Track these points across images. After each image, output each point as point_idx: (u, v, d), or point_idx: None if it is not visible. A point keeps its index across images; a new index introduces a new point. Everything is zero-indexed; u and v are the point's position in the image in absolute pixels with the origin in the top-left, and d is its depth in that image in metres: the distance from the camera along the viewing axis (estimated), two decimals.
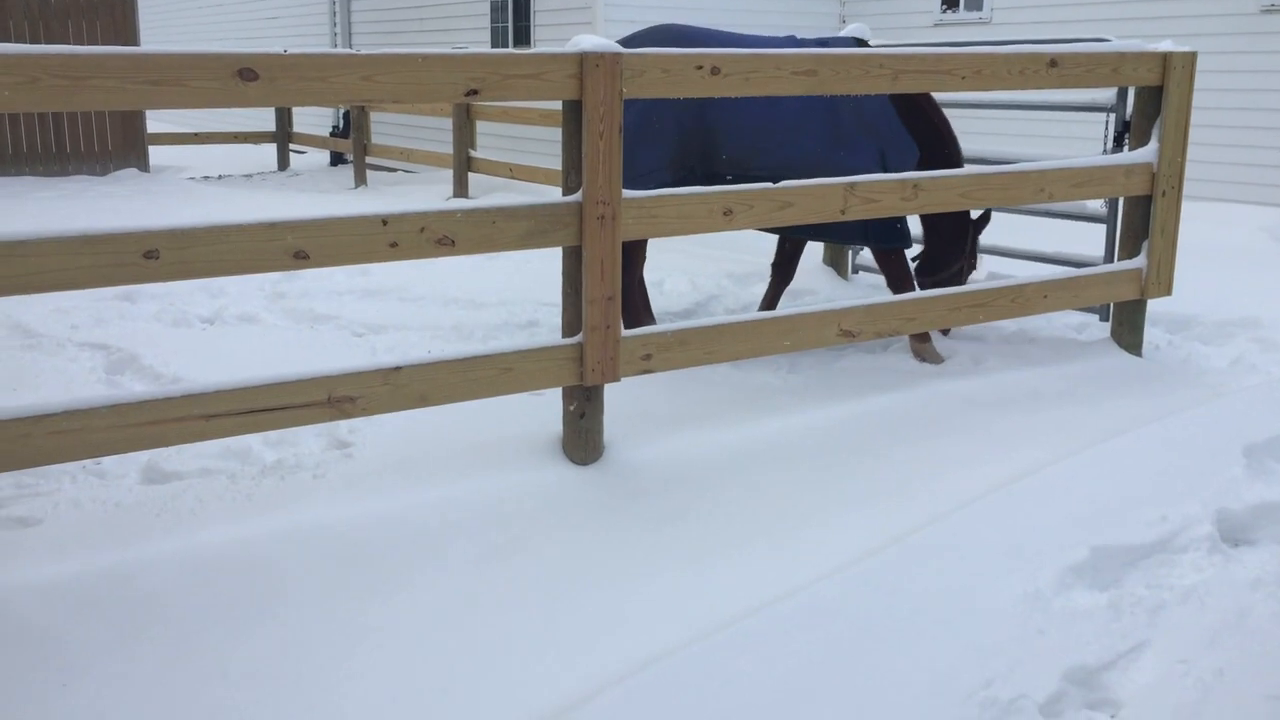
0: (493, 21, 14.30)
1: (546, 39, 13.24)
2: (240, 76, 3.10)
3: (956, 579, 3.18)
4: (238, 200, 10.77)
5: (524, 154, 12.69)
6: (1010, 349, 5.39)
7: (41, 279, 2.97)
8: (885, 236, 5.33)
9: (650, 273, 6.83)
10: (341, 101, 3.34)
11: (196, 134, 14.80)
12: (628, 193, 3.80)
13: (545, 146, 12.42)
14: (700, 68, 3.86)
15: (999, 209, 5.54)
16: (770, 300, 5.91)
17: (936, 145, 5.36)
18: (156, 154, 14.00)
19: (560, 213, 3.70)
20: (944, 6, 12.78)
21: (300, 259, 3.31)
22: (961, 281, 5.65)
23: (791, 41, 5.17)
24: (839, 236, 5.61)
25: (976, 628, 2.96)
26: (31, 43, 12.98)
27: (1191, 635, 3.01)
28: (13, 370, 5.01)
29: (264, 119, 15.53)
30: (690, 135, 4.93)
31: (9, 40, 12.50)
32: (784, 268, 5.91)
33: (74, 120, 12.95)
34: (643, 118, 4.83)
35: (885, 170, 5.10)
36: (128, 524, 3.37)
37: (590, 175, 3.68)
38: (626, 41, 4.96)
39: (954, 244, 5.59)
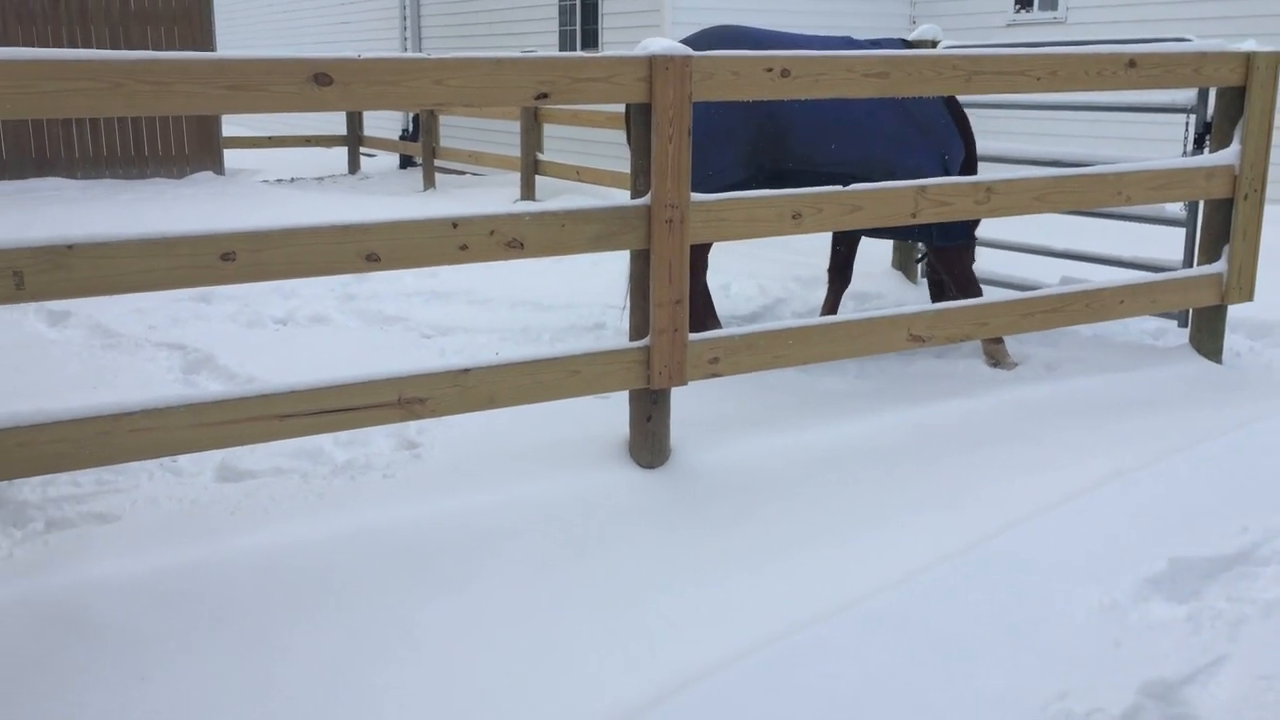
0: (561, 24, 14.37)
1: (614, 42, 13.28)
2: (316, 81, 3.14)
3: (1029, 588, 3.13)
4: (309, 202, 10.94)
5: (591, 156, 12.74)
6: (1085, 355, 5.29)
7: (124, 280, 3.04)
8: (946, 232, 5.28)
9: (716, 276, 6.81)
10: (414, 105, 3.37)
11: (270, 138, 15.06)
12: (696, 196, 3.79)
13: (612, 149, 12.45)
14: (770, 70, 3.84)
15: (1075, 212, 5.44)
16: (831, 305, 5.87)
17: (968, 146, 5.41)
18: (231, 157, 14.27)
19: (628, 216, 3.70)
20: (1017, 6, 12.60)
21: (372, 261, 3.34)
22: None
23: (848, 43, 5.16)
24: (898, 232, 5.58)
25: (1050, 639, 2.91)
26: (111, 47, 13.28)
27: (1274, 651, 2.92)
28: (93, 369, 5.13)
29: (335, 123, 15.76)
30: (762, 133, 4.92)
31: (90, 45, 12.82)
32: (841, 271, 5.87)
33: (152, 124, 13.24)
34: (716, 116, 4.83)
35: (945, 170, 5.12)
36: (203, 521, 3.44)
37: (659, 179, 3.67)
38: (684, 43, 4.97)
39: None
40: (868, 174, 4.70)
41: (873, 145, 5.03)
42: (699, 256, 5.35)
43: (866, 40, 5.30)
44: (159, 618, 2.97)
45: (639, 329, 3.87)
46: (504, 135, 14.59)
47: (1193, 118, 5.62)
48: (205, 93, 3.01)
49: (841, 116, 4.98)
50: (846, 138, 4.99)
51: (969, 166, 5.40)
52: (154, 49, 12.85)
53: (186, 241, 3.08)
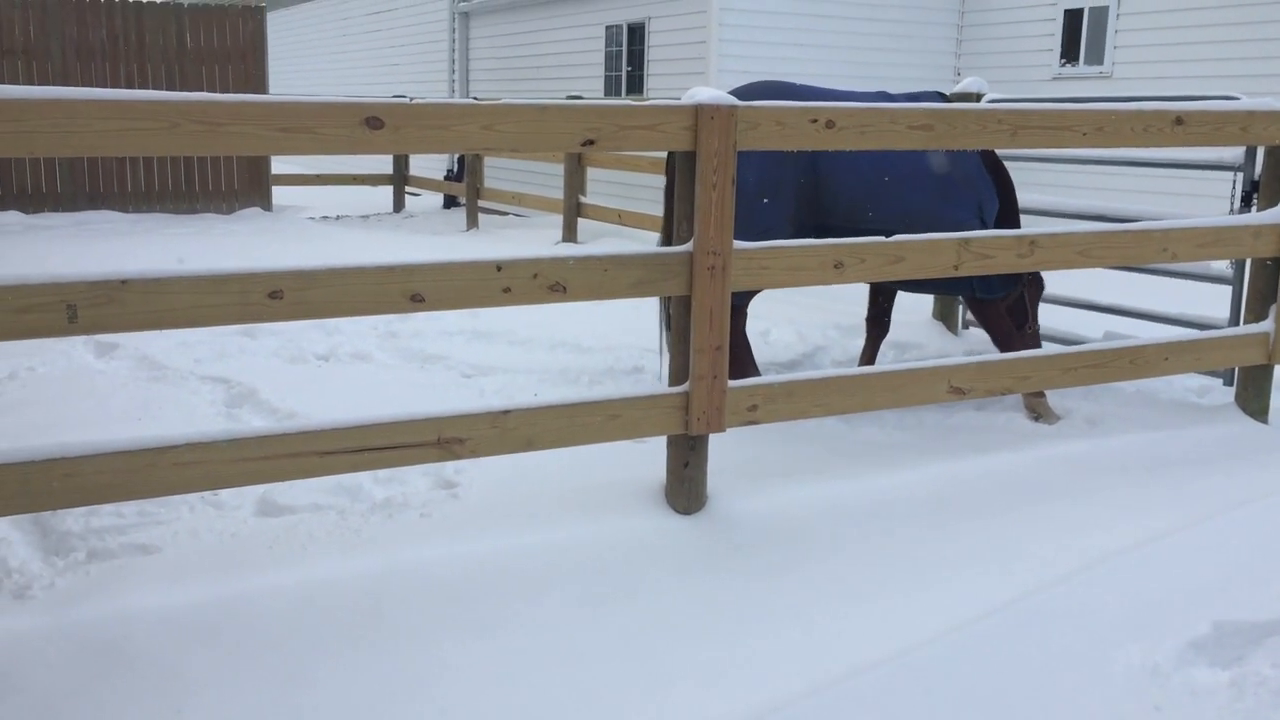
0: (606, 70, 14.54)
1: (659, 88, 13.40)
2: (367, 125, 3.20)
3: (1070, 648, 3.08)
4: (354, 240, 11.08)
5: (633, 200, 12.83)
6: (1128, 411, 5.24)
7: (175, 316, 3.09)
8: (986, 285, 5.29)
9: (756, 322, 6.82)
10: (462, 149, 3.42)
11: (318, 175, 15.31)
12: (738, 244, 3.81)
13: (654, 193, 12.52)
14: (815, 121, 3.87)
15: (1120, 268, 5.42)
16: (869, 355, 5.86)
17: (1006, 198, 5.42)
18: (279, 194, 14.51)
19: (671, 262, 3.72)
20: (1063, 60, 12.60)
21: (416, 302, 3.38)
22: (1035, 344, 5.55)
23: (883, 97, 5.20)
24: (937, 286, 5.57)
25: (1090, 701, 2.86)
26: (167, 86, 13.58)
27: None
28: (139, 401, 5.20)
29: (382, 162, 16.00)
30: (805, 191, 4.97)
31: (147, 83, 13.11)
32: (878, 321, 5.88)
33: (204, 160, 13.50)
34: (761, 174, 4.88)
35: (982, 223, 5.14)
36: (242, 555, 3.47)
37: (702, 226, 3.69)
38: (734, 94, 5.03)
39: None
40: (908, 229, 4.70)
41: (914, 200, 5.06)
42: (740, 304, 5.38)
43: (903, 95, 5.34)
44: (195, 650, 2.99)
45: (678, 374, 3.88)
46: (547, 177, 14.74)
47: (1240, 175, 5.59)
48: (258, 134, 3.07)
49: (884, 171, 5.02)
50: (889, 193, 5.02)
51: (1008, 219, 5.39)
52: (208, 88, 13.13)
53: (236, 279, 3.13)
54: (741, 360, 5.27)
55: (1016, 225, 5.38)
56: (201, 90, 12.82)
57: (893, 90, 5.63)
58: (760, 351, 6.42)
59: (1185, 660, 3.06)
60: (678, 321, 3.85)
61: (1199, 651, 3.11)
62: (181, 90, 12.13)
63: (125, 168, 13.15)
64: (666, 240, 5.22)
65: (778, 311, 7.21)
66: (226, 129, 3.05)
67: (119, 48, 13.07)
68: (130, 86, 12.83)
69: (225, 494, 3.97)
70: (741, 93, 5.07)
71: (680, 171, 3.75)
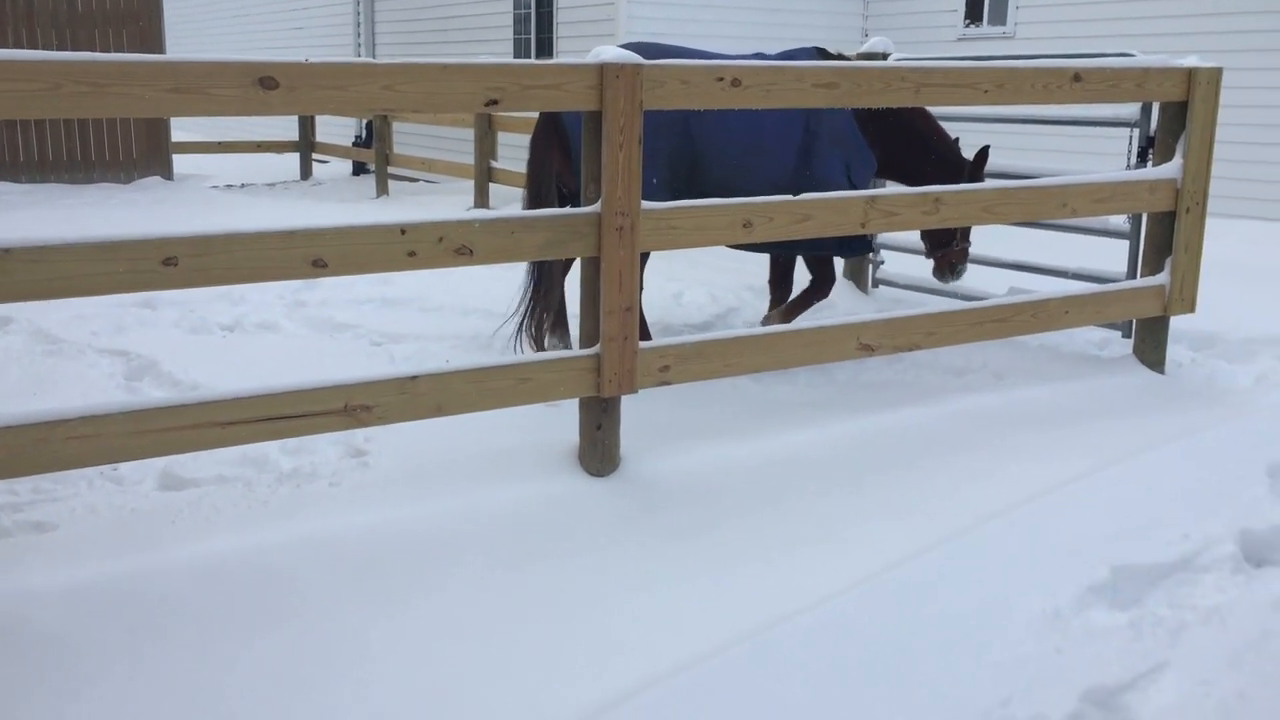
0: (515, 33, 14.35)
1: (568, 50, 13.28)
2: (261, 85, 3.11)
3: (974, 596, 3.15)
4: (260, 209, 10.83)
5: None
6: (1032, 365, 5.35)
7: (63, 285, 2.98)
8: (845, 245, 5.39)
9: (669, 284, 6.83)
10: (362, 111, 3.34)
11: (220, 143, 14.89)
12: (646, 204, 3.79)
13: None
14: (721, 79, 3.85)
15: (1021, 224, 5.50)
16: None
17: (918, 145, 5.42)
18: (180, 162, 14.08)
19: (578, 224, 3.69)
20: (968, 20, 12.75)
21: (318, 267, 3.31)
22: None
23: (760, 58, 5.10)
24: (795, 246, 5.44)
25: (994, 646, 2.93)
26: (59, 50, 13.07)
27: (1213, 656, 2.96)
28: (33, 376, 5.03)
29: (287, 128, 15.62)
30: (679, 158, 4.93)
31: (35, 47, 12.61)
32: (781, 282, 5.94)
33: (99, 128, 13.04)
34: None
35: (850, 183, 5.11)
36: (143, 530, 3.38)
37: (609, 186, 3.67)
38: None
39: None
40: (781, 191, 4.67)
41: (785, 162, 5.03)
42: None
43: (778, 54, 5.30)
44: (97, 629, 2.91)
45: (589, 336, 3.86)
46: (458, 143, 14.54)
47: (1136, 132, 5.71)
48: (146, 95, 2.97)
49: (756, 135, 4.97)
50: (760, 157, 4.99)
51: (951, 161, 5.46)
52: (101, 51, 12.65)
53: (127, 246, 3.03)
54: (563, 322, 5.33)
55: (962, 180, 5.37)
56: None
57: (770, 51, 5.59)
58: (673, 313, 6.43)
59: (1085, 604, 3.15)
60: (587, 283, 3.83)
61: (1098, 595, 3.20)
62: None
63: (16, 136, 12.66)
64: (533, 202, 5.18)
65: (691, 274, 7.22)
66: (112, 90, 2.93)
67: (5, 11, 12.53)
68: None
69: (125, 469, 3.86)
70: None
71: (586, 132, 3.72)
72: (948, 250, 5.68)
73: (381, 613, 3.10)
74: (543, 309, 5.24)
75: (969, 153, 5.53)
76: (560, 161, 5.09)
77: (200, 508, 3.54)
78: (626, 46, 5.10)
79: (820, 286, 5.77)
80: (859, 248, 5.51)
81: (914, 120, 5.43)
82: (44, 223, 9.39)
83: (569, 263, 5.31)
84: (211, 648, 2.90)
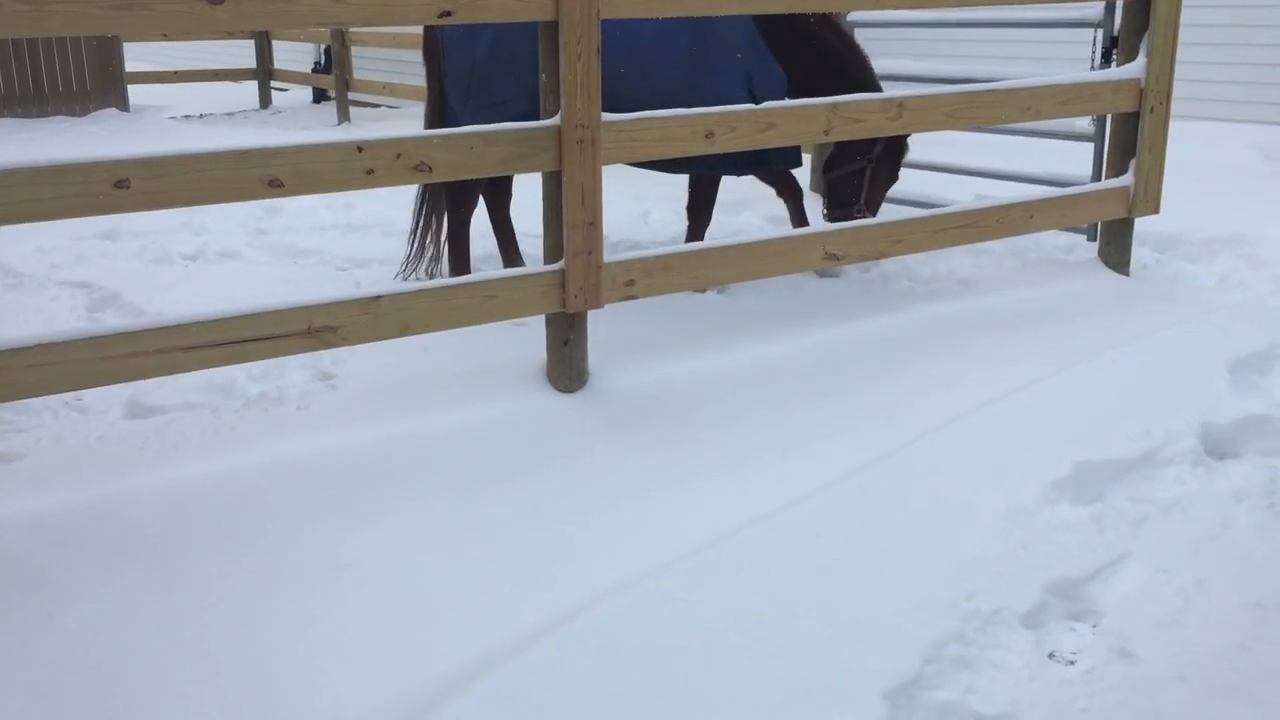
0: None
1: None
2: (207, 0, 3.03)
3: (940, 496, 3.19)
4: (218, 138, 10.64)
5: None
6: (998, 271, 5.37)
7: (13, 210, 2.92)
8: (755, 163, 5.06)
9: (635, 202, 6.79)
10: (311, 23, 3.27)
11: (176, 72, 14.57)
12: (607, 116, 3.74)
13: None
14: None
15: (986, 129, 5.48)
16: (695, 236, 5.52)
17: (832, 66, 5.03)
18: (136, 93, 13.81)
19: (539, 137, 3.65)
20: None
21: (275, 187, 3.26)
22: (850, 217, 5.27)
23: None
24: (688, 165, 4.91)
25: (959, 543, 2.98)
26: None
27: (1173, 546, 3.03)
28: None
29: (245, 56, 15.29)
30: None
31: None
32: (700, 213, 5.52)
33: (51, 61, 12.74)
34: (498, 45, 4.64)
35: (754, 97, 4.67)
36: (110, 458, 3.36)
37: (568, 99, 3.62)
38: None
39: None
40: (667, 104, 4.16)
41: (670, 73, 4.71)
42: (502, 190, 5.34)
43: None
44: (66, 555, 2.91)
45: (553, 251, 3.84)
46: (418, 65, 14.27)
47: (1100, 32, 5.67)
48: (87, 13, 2.88)
49: (633, 44, 4.62)
50: (640, 67, 4.66)
51: (850, 88, 4.96)
52: None
53: (78, 169, 2.97)
54: (460, 258, 5.16)
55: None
56: None
57: None
58: (640, 231, 6.41)
59: (1048, 500, 3.20)
60: (550, 197, 3.79)
61: (1061, 491, 3.25)
62: None
63: None
64: (435, 114, 5.03)
65: (656, 190, 7.16)
66: (53, 7, 2.85)
67: None
68: None
69: (91, 398, 3.84)
70: None
71: (543, 42, 3.65)
72: (845, 214, 5.28)
73: (350, 530, 3.11)
74: (433, 246, 5.16)
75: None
76: (435, 74, 4.99)
77: (167, 434, 3.52)
78: None
79: (700, 212, 5.39)
80: (743, 165, 5.06)
81: (825, 35, 5.04)
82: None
83: (470, 194, 5.12)
84: (180, 570, 2.91)
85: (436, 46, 4.88)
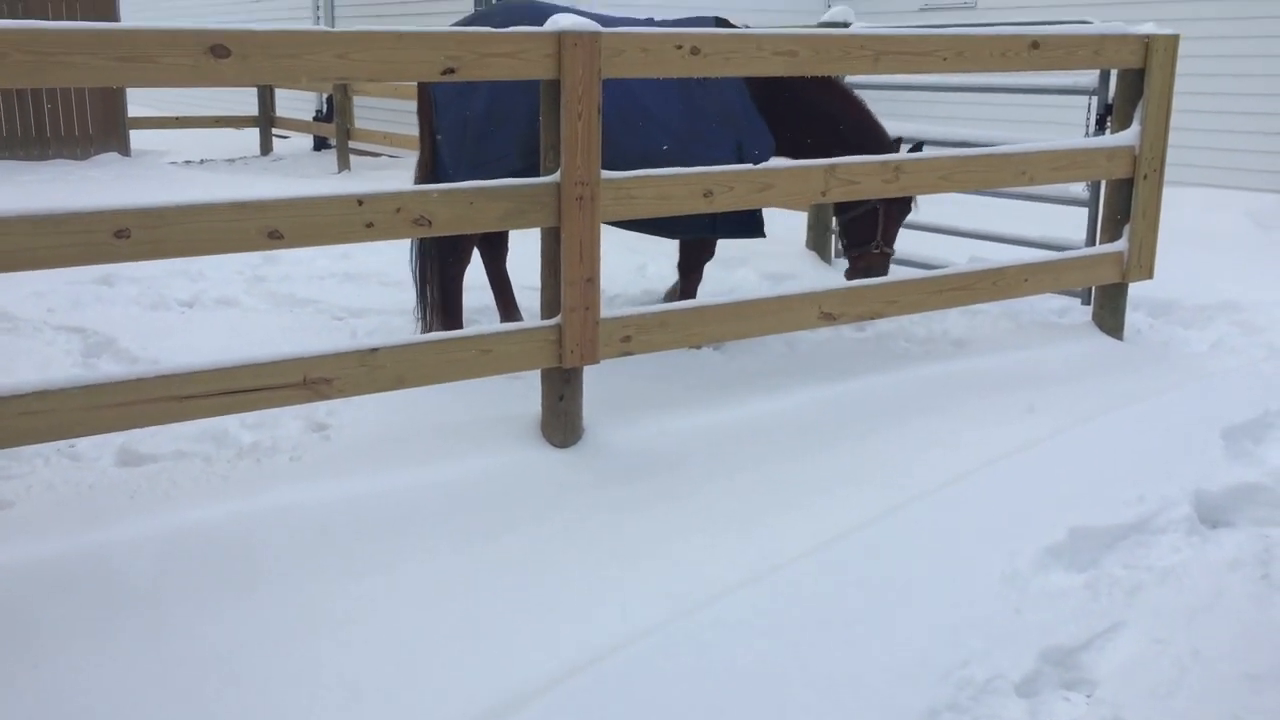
0: (476, 4, 14.22)
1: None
2: (213, 54, 3.06)
3: (934, 560, 3.18)
4: (218, 184, 10.70)
5: None
6: (993, 332, 5.39)
7: (13, 258, 2.93)
8: (737, 229, 5.05)
9: (632, 256, 6.82)
10: (316, 80, 3.30)
11: (178, 117, 14.68)
12: (606, 174, 3.77)
13: None
14: (680, 47, 3.83)
15: (980, 192, 5.52)
16: (685, 293, 5.54)
17: (829, 127, 5.07)
18: (138, 138, 13.89)
19: (538, 193, 3.67)
20: None
21: (274, 239, 3.27)
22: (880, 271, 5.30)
23: (651, 23, 4.80)
24: (682, 227, 4.92)
25: (954, 609, 2.96)
26: (10, 17, 12.76)
27: (1168, 615, 3.01)
28: None
29: (247, 103, 15.41)
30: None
31: None
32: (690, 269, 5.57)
33: (54, 104, 12.83)
34: (493, 103, 4.63)
35: (742, 161, 4.73)
36: (102, 506, 3.34)
37: (569, 156, 3.65)
38: (479, 19, 4.68)
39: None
40: (657, 166, 4.12)
41: (660, 138, 4.72)
42: (499, 243, 5.32)
43: (675, 19, 4.98)
44: (55, 604, 2.89)
45: (550, 307, 3.85)
46: None
47: (1094, 99, 5.74)
48: (94, 65, 2.91)
49: (626, 107, 4.63)
50: (633, 130, 4.66)
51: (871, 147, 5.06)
52: (54, 19, 12.43)
53: (78, 218, 2.99)
54: (452, 310, 5.11)
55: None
56: None
57: (668, 15, 5.20)
58: (637, 284, 6.43)
59: (1043, 565, 3.19)
60: (548, 253, 3.81)
61: (1056, 557, 3.24)
62: None
63: None
64: (427, 170, 4.98)
65: (654, 245, 7.18)
66: (59, 59, 2.88)
67: None
68: None
69: (83, 445, 3.82)
70: (493, 12, 4.81)
71: (545, 100, 3.69)
72: (865, 251, 5.28)
73: (339, 584, 3.09)
74: (429, 307, 5.11)
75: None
76: (427, 129, 4.97)
77: (159, 482, 3.51)
78: (499, 5, 4.95)
79: (690, 270, 5.41)
80: (735, 230, 5.04)
81: (821, 96, 5.05)
82: (1, 198, 9.25)
83: (463, 249, 5.08)
84: (171, 621, 2.89)
85: (429, 102, 4.89)
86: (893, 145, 5.19)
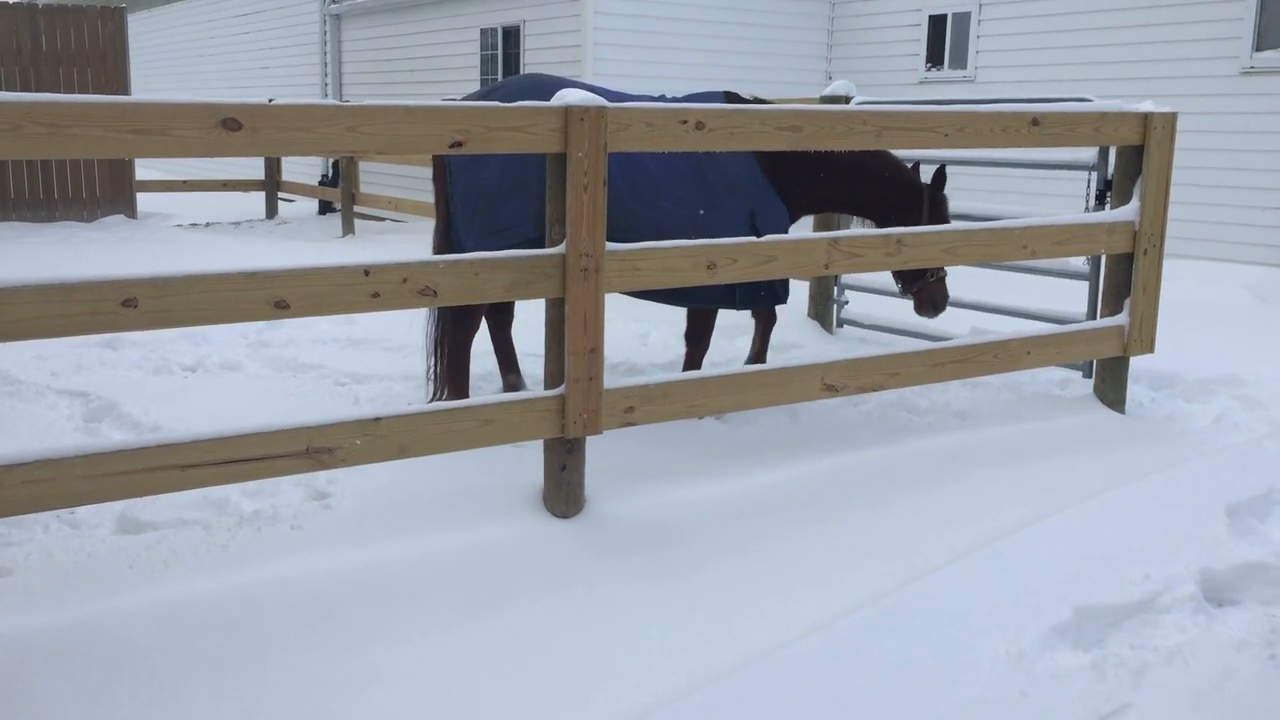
0: (482, 74, 14.42)
1: None
2: (224, 126, 3.10)
3: (938, 638, 3.15)
4: (224, 248, 10.77)
5: None
6: (995, 405, 5.39)
7: (20, 327, 2.95)
8: (752, 299, 5.12)
9: (634, 324, 6.85)
10: (326, 152, 3.34)
11: (185, 181, 14.84)
12: (611, 245, 3.80)
13: None
14: (685, 122, 3.88)
15: (982, 265, 5.56)
16: (691, 363, 5.56)
17: (871, 186, 5.22)
18: (144, 201, 14.02)
19: (544, 264, 3.70)
20: (929, 64, 12.95)
21: (281, 309, 3.29)
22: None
23: (662, 99, 4.87)
24: (698, 296, 4.99)
25: (958, 689, 2.93)
26: (22, 89, 12.98)
27: (1175, 697, 2.98)
28: None
29: (253, 167, 15.58)
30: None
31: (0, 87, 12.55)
32: (698, 338, 5.58)
33: (62, 166, 12.97)
34: (507, 173, 4.69)
35: (754, 231, 4.81)
36: (100, 575, 3.32)
37: (574, 228, 3.68)
38: (487, 94, 4.85)
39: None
40: (669, 237, 4.33)
41: (671, 210, 4.79)
42: (504, 311, 5.41)
43: (687, 95, 5.11)
44: (50, 675, 2.85)
45: (554, 377, 3.86)
46: (425, 182, 14.54)
47: (1094, 175, 5.80)
48: (107, 136, 2.95)
49: (637, 179, 4.73)
50: (644, 201, 4.74)
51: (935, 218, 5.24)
52: (66, 91, 12.62)
53: (86, 287, 3.00)
54: (458, 379, 5.14)
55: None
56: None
57: (679, 91, 5.39)
58: (639, 353, 6.45)
59: (1048, 645, 3.16)
60: (553, 324, 3.83)
61: (1061, 636, 3.21)
62: None
63: None
64: (443, 236, 5.03)
65: (656, 313, 7.22)
66: (72, 131, 2.92)
67: None
68: None
69: (83, 512, 3.81)
70: (507, 85, 4.94)
71: (551, 173, 3.73)
72: (922, 285, 5.43)
73: (339, 657, 3.06)
74: (440, 380, 5.16)
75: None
76: (442, 197, 5.03)
77: (158, 552, 3.49)
78: (511, 80, 5.06)
79: (698, 340, 5.45)
80: (756, 299, 5.16)
81: (859, 158, 5.14)
82: (5, 261, 9.30)
83: (473, 318, 5.12)
84: (170, 693, 2.85)
85: (444, 170, 4.96)
86: (927, 197, 5.30)
